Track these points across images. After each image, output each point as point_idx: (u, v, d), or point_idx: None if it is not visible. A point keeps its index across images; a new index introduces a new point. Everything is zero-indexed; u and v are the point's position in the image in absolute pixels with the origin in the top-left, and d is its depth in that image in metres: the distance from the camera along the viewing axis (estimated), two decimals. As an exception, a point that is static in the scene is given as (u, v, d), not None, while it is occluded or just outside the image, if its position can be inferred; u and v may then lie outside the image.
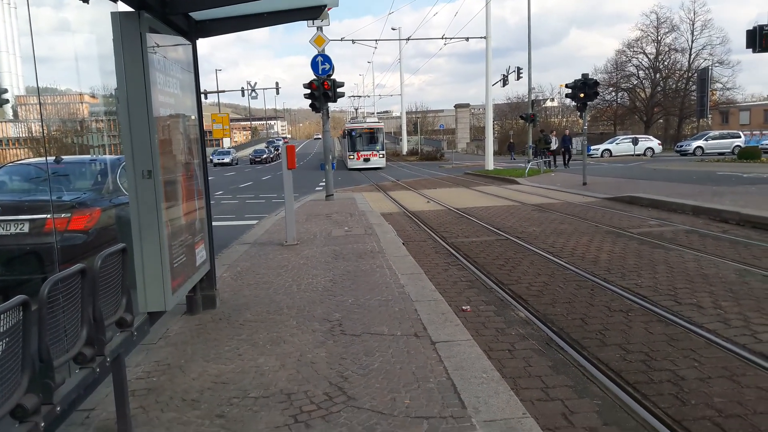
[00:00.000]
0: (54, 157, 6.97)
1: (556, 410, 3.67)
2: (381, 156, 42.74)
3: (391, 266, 7.28)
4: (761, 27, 21.00)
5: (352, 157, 42.61)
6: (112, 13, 4.08)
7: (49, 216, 5.84)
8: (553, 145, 30.58)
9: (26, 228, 5.83)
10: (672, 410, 3.62)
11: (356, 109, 66.85)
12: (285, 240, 9.45)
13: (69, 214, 6.00)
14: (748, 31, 21.49)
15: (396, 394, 3.55)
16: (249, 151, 72.73)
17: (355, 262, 7.63)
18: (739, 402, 3.69)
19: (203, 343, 4.68)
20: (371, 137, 42.99)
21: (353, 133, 43.21)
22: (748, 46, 21.56)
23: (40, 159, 7.93)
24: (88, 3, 4.00)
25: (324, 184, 18.16)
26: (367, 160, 41.99)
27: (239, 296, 6.16)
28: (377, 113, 56.81)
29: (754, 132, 46.11)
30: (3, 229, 5.80)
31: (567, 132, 35.33)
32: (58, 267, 4.62)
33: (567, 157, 31.42)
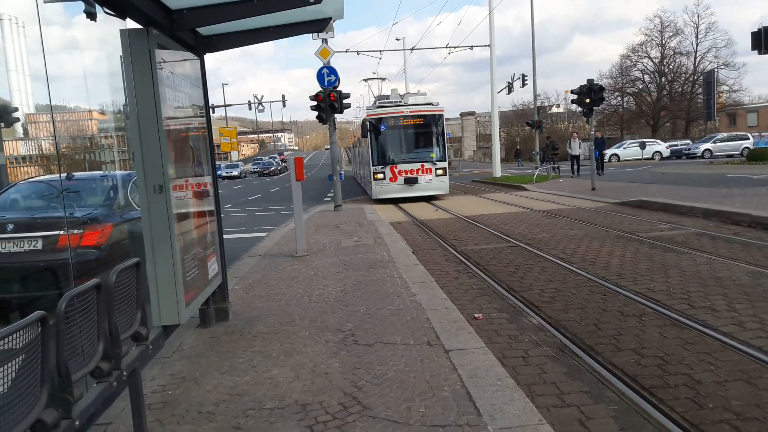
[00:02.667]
0: (66, 174, 7.04)
1: (573, 416, 3.65)
2: (440, 171, 20.95)
3: (402, 275, 7.28)
4: (766, 28, 20.92)
5: (380, 175, 20.82)
6: (121, 31, 4.14)
7: (62, 232, 5.89)
8: (576, 150, 27.20)
9: (39, 245, 5.88)
10: (689, 414, 3.59)
11: (378, 96, 29.83)
12: (295, 251, 9.48)
13: (81, 230, 6.05)
14: (753, 33, 21.42)
15: (411, 402, 3.55)
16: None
17: (365, 272, 7.64)
18: (758, 405, 3.66)
19: (217, 356, 4.69)
20: (419, 134, 21.31)
21: (383, 127, 20.89)
22: (753, 48, 21.49)
23: (51, 176, 8.00)
24: (95, 21, 4.06)
25: (332, 194, 18.21)
26: (411, 180, 20.61)
27: (251, 308, 6.18)
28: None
29: (762, 133, 45.81)
30: (17, 246, 5.86)
31: (599, 134, 26.17)
32: (74, 282, 4.66)
33: (599, 162, 25.50)
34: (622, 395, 3.92)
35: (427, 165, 20.52)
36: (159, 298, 4.22)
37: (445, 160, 21.13)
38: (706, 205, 12.27)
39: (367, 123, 20.69)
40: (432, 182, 20.66)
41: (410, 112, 20.97)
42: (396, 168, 20.53)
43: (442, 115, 21.17)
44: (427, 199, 20.64)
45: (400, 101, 22.04)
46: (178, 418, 3.57)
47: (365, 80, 28.90)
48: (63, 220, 6.04)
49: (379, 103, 22.55)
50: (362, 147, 26.31)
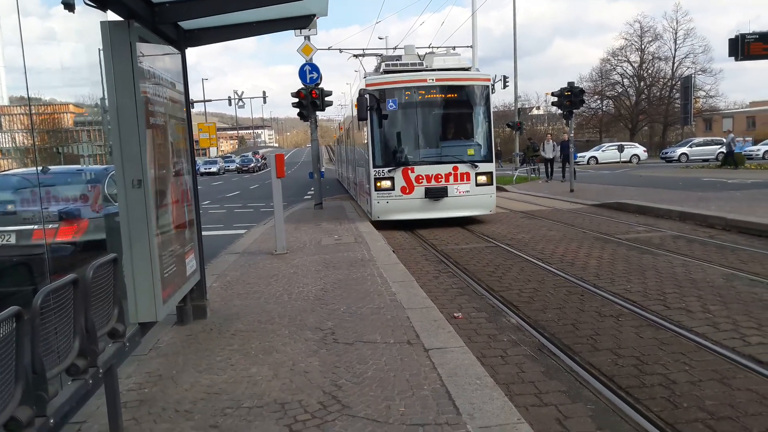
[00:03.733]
0: (41, 167, 6.90)
1: (551, 415, 3.69)
2: (484, 179, 13.00)
3: (382, 274, 7.28)
4: (743, 35, 21.34)
5: (385, 182, 12.81)
6: (102, 23, 4.07)
7: (36, 227, 5.78)
8: (550, 153, 25.43)
9: (13, 239, 5.77)
10: (664, 413, 3.65)
11: (384, 57, 18.80)
12: (275, 249, 9.42)
13: (56, 225, 5.94)
14: (730, 40, 21.81)
15: (390, 401, 3.55)
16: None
17: (345, 271, 7.62)
18: (731, 404, 3.73)
19: (195, 354, 4.64)
20: (451, 117, 13.45)
21: (391, 105, 12.75)
22: (730, 55, 21.88)
23: (26, 169, 7.85)
24: (73, 12, 3.98)
25: (313, 192, 18.12)
26: (437, 193, 12.76)
27: (230, 306, 6.13)
28: None
29: (737, 138, 46.67)
30: (-11, 240, 5.73)
31: (566, 137, 24.43)
32: (49, 278, 4.58)
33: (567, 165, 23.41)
34: (600, 395, 3.96)
35: (462, 168, 12.68)
36: (136, 295, 4.15)
37: (491, 161, 13.12)
38: (682, 208, 12.46)
39: (366, 97, 12.41)
40: (470, 196, 12.77)
41: (437, 80, 12.72)
42: (412, 171, 12.62)
43: (488, 88, 13.23)
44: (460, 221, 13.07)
45: (420, 63, 13.70)
46: (155, 416, 3.53)
47: (356, 56, 20.39)
48: (38, 214, 5.93)
49: (387, 65, 13.66)
50: (355, 138, 17.38)
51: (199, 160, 54.48)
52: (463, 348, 4.45)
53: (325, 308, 5.82)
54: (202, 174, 52.05)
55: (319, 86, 16.46)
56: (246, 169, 59.08)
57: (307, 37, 17.07)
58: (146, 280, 4.18)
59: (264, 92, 61.94)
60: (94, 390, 2.89)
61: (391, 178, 12.71)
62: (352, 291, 6.48)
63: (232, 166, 61.20)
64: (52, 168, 7.22)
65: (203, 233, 5.98)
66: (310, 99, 16.12)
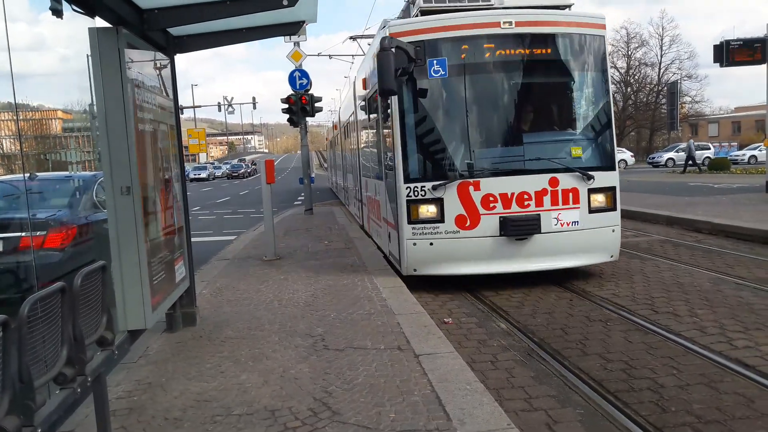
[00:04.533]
0: (28, 174, 6.85)
1: (540, 420, 3.70)
2: (601, 199, 7.33)
3: (372, 280, 7.28)
4: (728, 42, 21.51)
5: (428, 209, 6.98)
6: (90, 29, 4.06)
7: (23, 234, 5.73)
8: None
9: (0, 247, 5.71)
10: (653, 417, 3.67)
11: None
12: (265, 255, 9.39)
13: (44, 232, 5.90)
14: (715, 46, 21.97)
15: (381, 408, 3.55)
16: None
17: (336, 276, 7.61)
18: (718, 408, 3.76)
19: (184, 361, 4.62)
20: (541, 89, 7.56)
21: (436, 69, 6.85)
22: (715, 61, 22.03)
23: (13, 176, 7.79)
24: (62, 18, 3.97)
25: (303, 198, 18.10)
26: (522, 226, 6.91)
27: (219, 313, 6.10)
28: None
29: (723, 144, 47.23)
30: (-24, 248, 5.67)
31: None
32: (37, 285, 4.54)
33: None
34: (589, 399, 3.98)
35: (565, 180, 7.22)
36: (125, 302, 4.13)
37: (614, 167, 7.85)
38: (669, 213, 12.57)
39: (392, 52, 6.56)
40: (579, 231, 7.28)
41: (517, 24, 7.11)
42: (477, 189, 7.05)
43: (603, 39, 7.64)
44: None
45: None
46: (144, 424, 3.51)
47: (353, 38, 17.26)
48: (25, 221, 5.88)
49: (427, 3, 7.74)
50: (363, 133, 11.64)
51: (188, 166, 54.27)
52: (453, 353, 4.46)
53: (316, 314, 5.82)
54: (192, 180, 51.83)
55: (309, 92, 16.46)
56: (236, 174, 58.95)
57: (297, 44, 17.11)
58: (135, 288, 4.16)
59: (254, 98, 62.07)
60: (83, 398, 2.87)
61: (439, 201, 7.11)
62: (343, 297, 6.48)
63: (219, 173, 60.89)
64: (40, 174, 7.17)
65: (193, 239, 5.96)
66: (300, 105, 16.11)
